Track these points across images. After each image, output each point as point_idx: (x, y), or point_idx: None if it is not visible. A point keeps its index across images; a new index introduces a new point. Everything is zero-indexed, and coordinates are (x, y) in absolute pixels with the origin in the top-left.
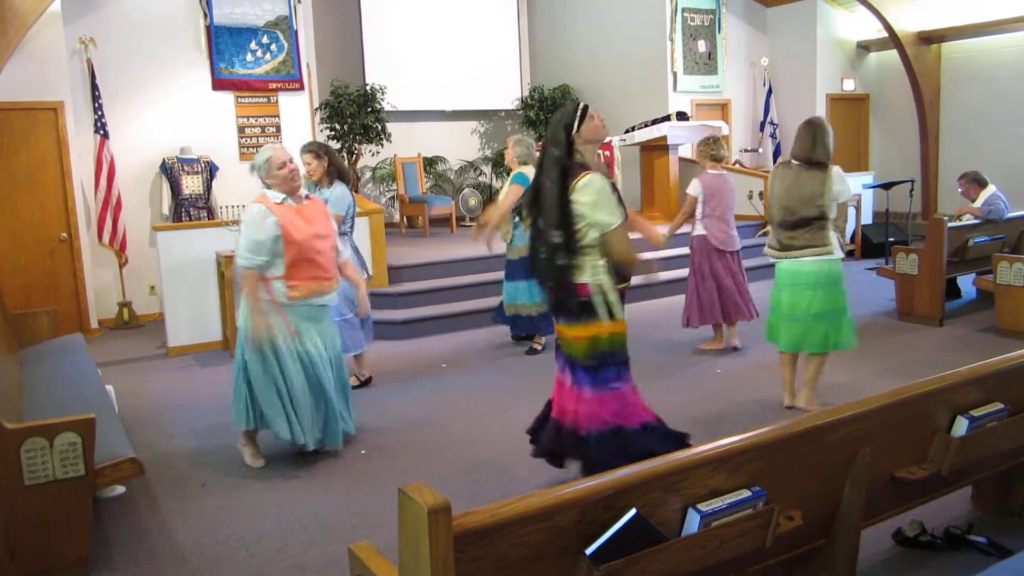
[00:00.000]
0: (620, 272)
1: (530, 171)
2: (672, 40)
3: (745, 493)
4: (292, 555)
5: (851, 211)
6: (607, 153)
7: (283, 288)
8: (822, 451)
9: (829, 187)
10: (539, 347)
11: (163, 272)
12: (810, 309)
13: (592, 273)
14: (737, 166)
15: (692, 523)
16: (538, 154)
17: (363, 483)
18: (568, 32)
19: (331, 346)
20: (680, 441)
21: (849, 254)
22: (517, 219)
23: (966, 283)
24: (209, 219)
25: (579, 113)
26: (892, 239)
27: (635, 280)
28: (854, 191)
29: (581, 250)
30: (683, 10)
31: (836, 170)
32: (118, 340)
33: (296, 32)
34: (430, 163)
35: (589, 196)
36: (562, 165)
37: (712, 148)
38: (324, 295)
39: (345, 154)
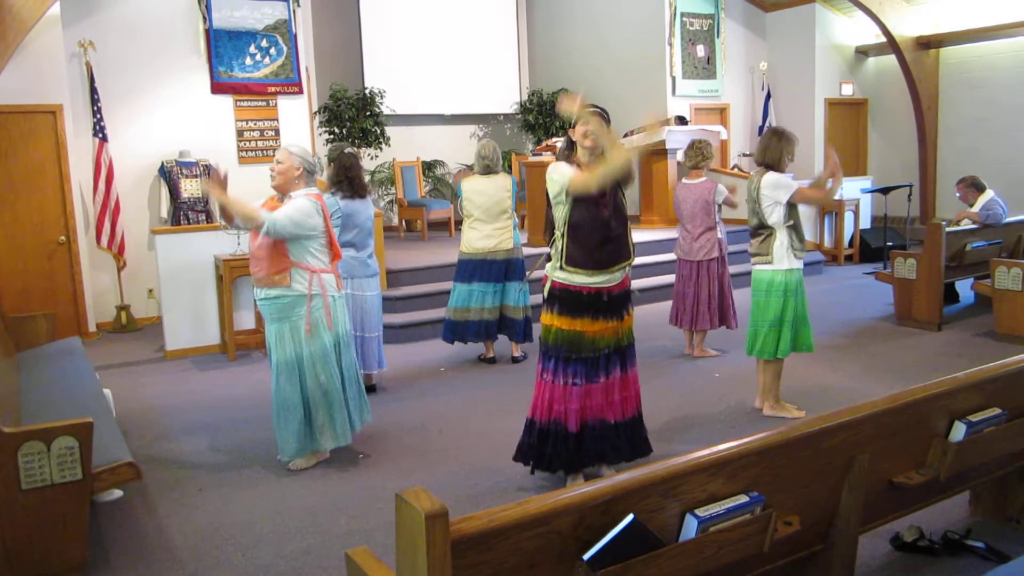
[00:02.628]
0: (591, 260)
1: (471, 182)
2: (671, 44)
3: (743, 498)
4: (289, 559)
5: (848, 215)
6: None
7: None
8: (820, 456)
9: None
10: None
11: (161, 275)
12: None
13: (551, 267)
14: (735, 170)
15: (689, 528)
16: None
17: (361, 487)
18: (567, 36)
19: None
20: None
21: (847, 258)
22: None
23: (964, 288)
24: (208, 222)
25: (575, 120)
26: (890, 243)
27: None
28: (852, 196)
29: (552, 243)
30: (682, 14)
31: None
32: (116, 343)
33: (295, 36)
34: (429, 167)
35: (551, 180)
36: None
37: (688, 157)
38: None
39: None
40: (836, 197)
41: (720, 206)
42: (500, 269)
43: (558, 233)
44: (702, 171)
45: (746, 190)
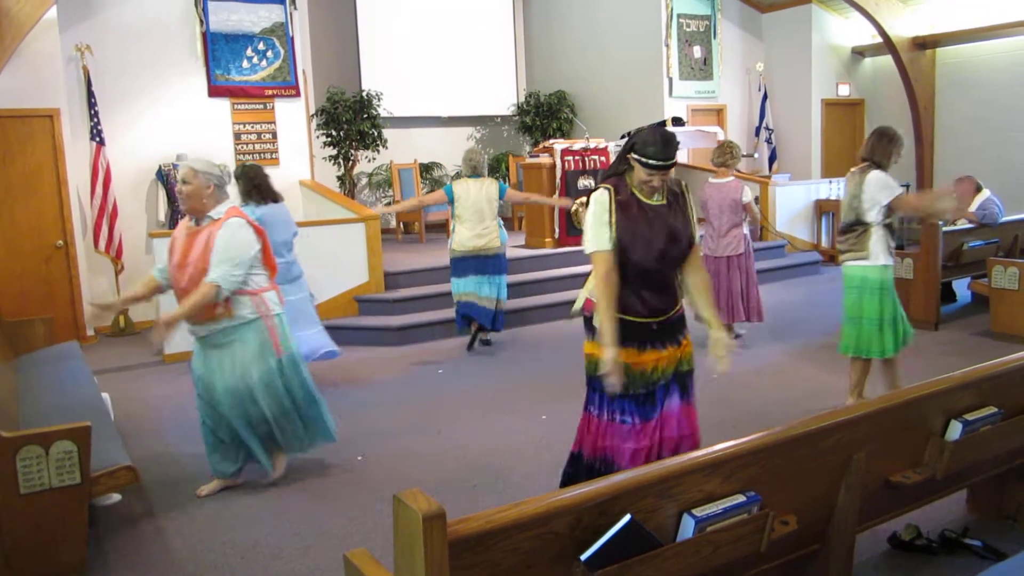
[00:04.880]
0: (643, 302)
1: (461, 184)
2: (668, 46)
3: (740, 498)
4: (288, 561)
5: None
6: (603, 159)
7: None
8: (816, 456)
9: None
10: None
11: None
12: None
13: (590, 288)
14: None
15: (687, 529)
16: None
17: (359, 489)
18: (564, 38)
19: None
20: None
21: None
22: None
23: (961, 287)
24: None
25: (647, 156)
26: None
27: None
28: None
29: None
30: (679, 16)
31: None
32: (114, 347)
33: (292, 39)
34: (426, 169)
35: (589, 212)
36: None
37: (716, 155)
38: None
39: (342, 160)
40: (942, 219)
41: (745, 207)
42: (491, 264)
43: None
44: (730, 170)
45: (845, 185)
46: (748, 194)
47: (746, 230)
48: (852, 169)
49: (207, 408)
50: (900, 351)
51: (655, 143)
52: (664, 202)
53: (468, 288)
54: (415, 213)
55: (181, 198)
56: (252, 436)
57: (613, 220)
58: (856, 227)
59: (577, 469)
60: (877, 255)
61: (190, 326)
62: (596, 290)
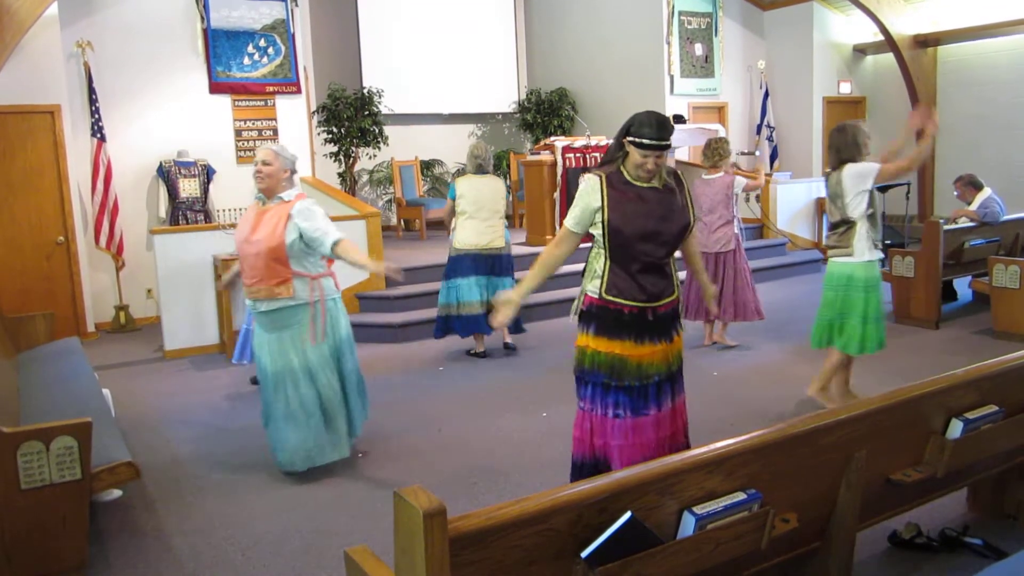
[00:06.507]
0: (639, 287)
1: (465, 180)
2: (669, 43)
3: (740, 496)
4: (288, 558)
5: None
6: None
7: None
8: (817, 454)
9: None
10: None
11: (160, 275)
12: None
13: (589, 280)
14: (733, 169)
15: (687, 526)
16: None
17: (359, 486)
18: (565, 35)
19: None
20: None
21: None
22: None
23: (962, 286)
24: (206, 222)
25: (639, 137)
26: (888, 242)
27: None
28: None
29: (589, 257)
30: (680, 13)
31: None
32: (115, 343)
33: (293, 35)
34: (427, 166)
35: (577, 195)
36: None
37: (706, 157)
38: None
39: (342, 157)
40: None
41: (738, 196)
42: (490, 264)
43: (596, 249)
44: (719, 168)
45: (825, 189)
46: (740, 184)
47: (737, 228)
48: (826, 170)
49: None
50: (873, 352)
51: (650, 124)
52: (660, 186)
53: (470, 296)
54: (416, 209)
55: (260, 177)
56: (291, 420)
57: (605, 204)
58: (841, 225)
59: (581, 476)
60: (862, 251)
61: (251, 300)
62: (543, 253)
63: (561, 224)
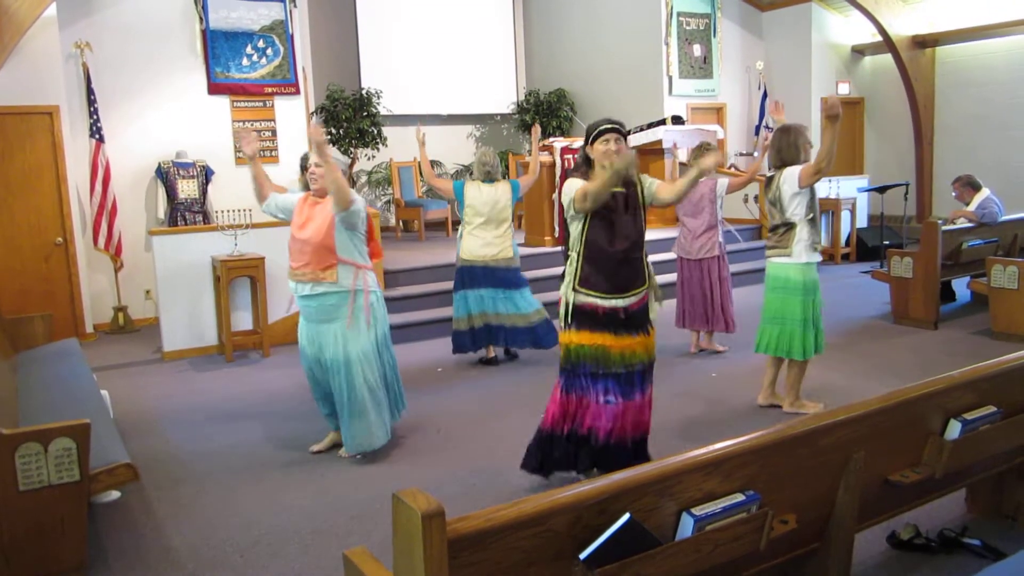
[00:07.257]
0: (606, 283)
1: (473, 188)
2: (667, 44)
3: (739, 497)
4: (287, 560)
5: (845, 214)
6: None
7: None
8: (816, 455)
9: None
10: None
11: (159, 276)
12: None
13: (565, 288)
14: (732, 169)
15: (686, 527)
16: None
17: (358, 487)
18: (563, 36)
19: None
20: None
21: (844, 257)
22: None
23: (960, 286)
24: (204, 223)
25: (593, 132)
26: (887, 242)
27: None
28: (849, 194)
29: (567, 258)
30: (678, 14)
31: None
32: (113, 345)
33: (292, 36)
34: None
35: (565, 195)
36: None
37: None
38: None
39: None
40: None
41: (722, 200)
42: (501, 277)
43: (573, 252)
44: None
45: (768, 192)
46: (723, 186)
47: (720, 236)
48: (767, 174)
49: (315, 381)
50: (815, 355)
51: (599, 121)
52: (623, 190)
53: (483, 308)
54: (414, 210)
55: (314, 179)
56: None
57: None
58: (780, 227)
59: (551, 447)
60: (799, 253)
61: (294, 283)
62: (589, 186)
63: (561, 224)
